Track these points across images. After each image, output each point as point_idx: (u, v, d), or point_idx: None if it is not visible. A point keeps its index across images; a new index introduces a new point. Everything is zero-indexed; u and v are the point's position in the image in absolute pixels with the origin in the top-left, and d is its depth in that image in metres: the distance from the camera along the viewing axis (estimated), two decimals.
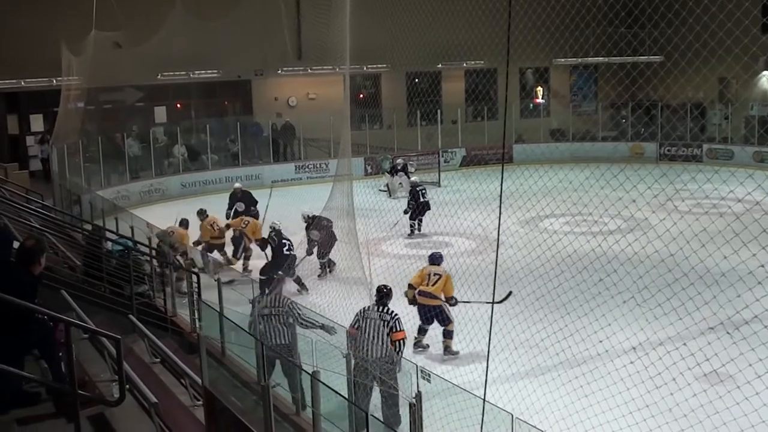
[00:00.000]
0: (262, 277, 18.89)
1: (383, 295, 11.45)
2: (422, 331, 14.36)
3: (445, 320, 14.06)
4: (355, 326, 11.02)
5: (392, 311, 11.25)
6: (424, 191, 23.74)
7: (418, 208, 23.16)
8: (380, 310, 11.18)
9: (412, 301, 14.35)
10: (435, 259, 14.81)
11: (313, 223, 19.22)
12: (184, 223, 19.57)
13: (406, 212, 23.36)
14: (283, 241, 18.22)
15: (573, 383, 11.39)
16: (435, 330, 14.33)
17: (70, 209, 23.00)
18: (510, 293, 13.37)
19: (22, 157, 32.37)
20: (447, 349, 14.01)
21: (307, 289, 17.85)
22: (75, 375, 6.69)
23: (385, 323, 10.91)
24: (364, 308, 11.40)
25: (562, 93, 44.43)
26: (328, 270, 19.11)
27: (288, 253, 18.23)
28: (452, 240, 21.48)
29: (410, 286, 14.40)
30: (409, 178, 29.43)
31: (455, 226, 20.03)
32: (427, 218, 22.97)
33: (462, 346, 13.78)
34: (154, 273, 14.60)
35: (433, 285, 14.19)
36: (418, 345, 14.26)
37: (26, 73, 31.09)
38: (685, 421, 9.45)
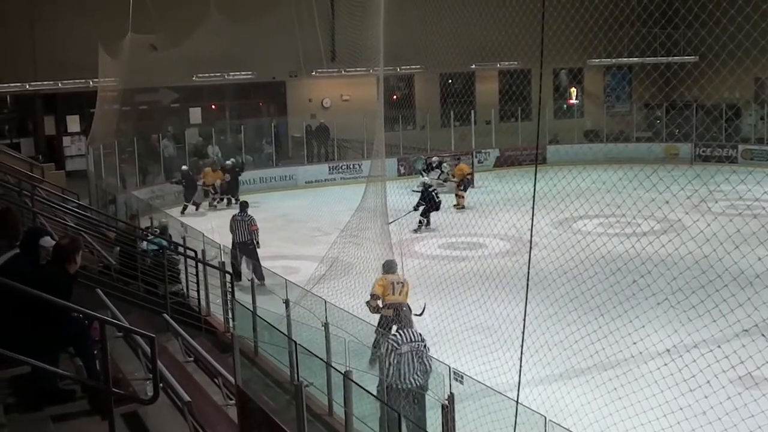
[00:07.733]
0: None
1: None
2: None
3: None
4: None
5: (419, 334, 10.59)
6: (436, 192, 24.93)
7: (430, 205, 24.36)
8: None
9: (375, 310, 13.75)
10: (392, 267, 14.15)
11: None
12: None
13: (416, 209, 24.16)
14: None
15: (607, 385, 11.33)
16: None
17: (106, 209, 23.22)
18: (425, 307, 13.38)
19: (59, 157, 32.75)
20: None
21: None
22: (109, 373, 6.73)
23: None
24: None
25: (596, 94, 44.20)
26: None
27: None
28: (486, 241, 21.42)
29: (374, 296, 13.76)
30: (448, 175, 29.75)
31: (489, 227, 19.96)
32: (459, 218, 23.00)
33: (495, 348, 13.74)
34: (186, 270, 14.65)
35: (399, 294, 13.81)
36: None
37: (63, 74, 31.50)
38: (719, 424, 9.35)
